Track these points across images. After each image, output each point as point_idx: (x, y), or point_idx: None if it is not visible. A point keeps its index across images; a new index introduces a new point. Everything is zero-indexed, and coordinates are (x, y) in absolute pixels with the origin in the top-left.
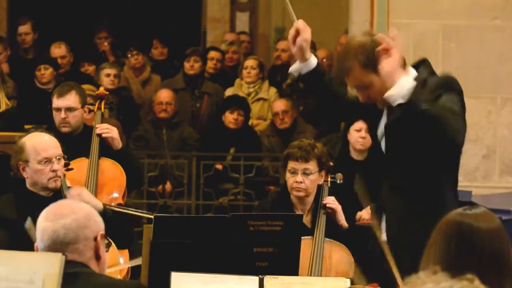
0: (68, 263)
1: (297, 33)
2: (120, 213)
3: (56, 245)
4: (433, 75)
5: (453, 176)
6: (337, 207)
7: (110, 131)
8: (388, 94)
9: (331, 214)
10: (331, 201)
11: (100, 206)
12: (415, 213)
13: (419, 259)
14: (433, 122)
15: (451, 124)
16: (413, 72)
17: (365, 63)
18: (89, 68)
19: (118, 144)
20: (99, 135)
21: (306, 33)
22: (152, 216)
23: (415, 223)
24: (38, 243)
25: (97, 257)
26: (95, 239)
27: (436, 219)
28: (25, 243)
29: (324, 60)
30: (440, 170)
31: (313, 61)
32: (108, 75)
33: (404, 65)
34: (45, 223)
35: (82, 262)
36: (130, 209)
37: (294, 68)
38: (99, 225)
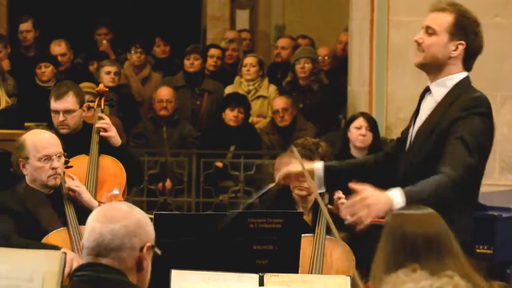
0: (103, 267)
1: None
2: None
3: (100, 248)
4: (467, 91)
5: (471, 187)
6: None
7: (109, 127)
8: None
9: (333, 210)
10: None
11: (95, 204)
12: None
13: None
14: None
15: (445, 198)
16: (462, 75)
17: (458, 21)
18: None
19: (116, 141)
20: (98, 130)
21: (290, 169)
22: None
23: None
24: (84, 241)
25: (139, 268)
26: (141, 249)
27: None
28: (32, 236)
29: (326, 57)
30: None
31: (317, 167)
32: (108, 73)
33: (465, 68)
34: (94, 224)
35: (119, 269)
36: None
37: (316, 187)
38: (149, 235)
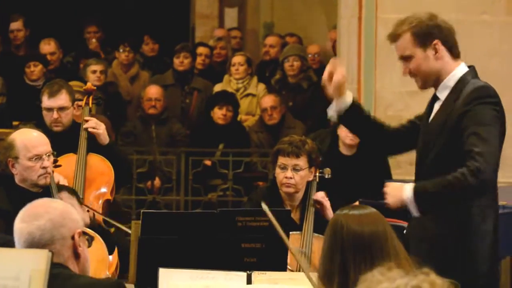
0: None
1: (333, 69)
2: (104, 228)
3: (32, 247)
4: (472, 80)
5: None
6: (326, 202)
7: (97, 126)
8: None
9: (320, 210)
10: (320, 197)
11: (87, 220)
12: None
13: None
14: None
15: (460, 194)
16: (462, 69)
17: (416, 34)
18: None
19: (105, 139)
20: (86, 129)
21: (343, 70)
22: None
23: (433, 220)
24: (16, 246)
25: (76, 255)
26: (73, 237)
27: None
28: None
29: (316, 55)
30: None
31: (348, 96)
32: (94, 72)
33: (456, 57)
34: (21, 225)
35: (60, 262)
36: (114, 222)
37: (332, 109)
38: (76, 223)
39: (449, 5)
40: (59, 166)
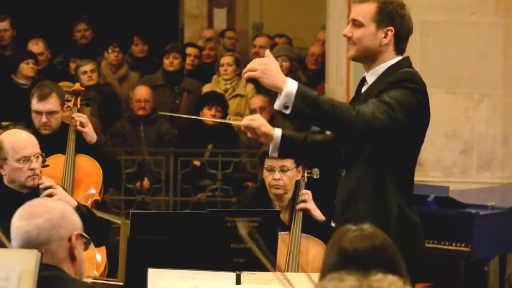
0: (40, 266)
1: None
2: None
3: (28, 246)
4: (399, 70)
5: (402, 170)
6: (310, 205)
7: (86, 122)
8: (276, 106)
9: (306, 211)
10: (304, 194)
11: (74, 203)
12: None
13: None
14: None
15: (338, 118)
16: (390, 63)
17: (380, 10)
18: None
19: (92, 138)
20: (74, 126)
21: (255, 123)
22: (119, 222)
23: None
24: (13, 243)
25: (72, 257)
26: (70, 239)
27: (378, 218)
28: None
29: (318, 56)
30: (383, 163)
31: (277, 133)
32: (84, 73)
33: (398, 53)
34: (19, 222)
35: (54, 264)
36: (102, 212)
37: (270, 151)
38: (75, 224)
39: (438, 6)
40: (47, 166)
